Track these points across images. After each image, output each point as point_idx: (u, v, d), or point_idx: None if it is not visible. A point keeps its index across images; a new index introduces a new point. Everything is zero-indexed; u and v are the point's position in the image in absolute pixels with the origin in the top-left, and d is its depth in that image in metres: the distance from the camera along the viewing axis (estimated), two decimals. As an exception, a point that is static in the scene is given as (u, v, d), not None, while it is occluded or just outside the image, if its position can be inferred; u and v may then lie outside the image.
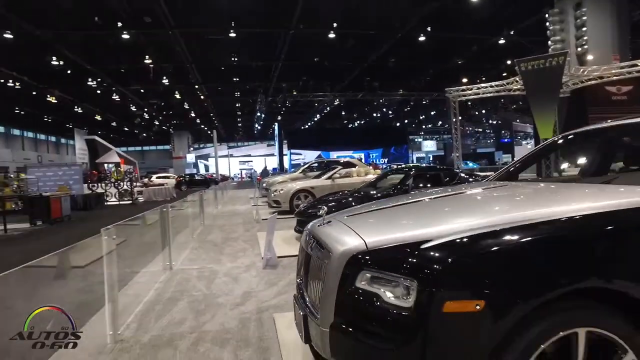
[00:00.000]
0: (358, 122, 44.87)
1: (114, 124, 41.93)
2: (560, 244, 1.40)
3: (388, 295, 1.38)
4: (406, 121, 42.27)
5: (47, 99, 27.63)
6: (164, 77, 26.66)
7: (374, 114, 36.29)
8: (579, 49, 16.04)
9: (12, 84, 23.49)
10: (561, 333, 1.29)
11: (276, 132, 36.55)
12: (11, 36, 17.50)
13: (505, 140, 45.09)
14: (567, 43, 16.66)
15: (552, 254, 1.37)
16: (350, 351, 1.48)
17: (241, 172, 38.95)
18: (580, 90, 15.55)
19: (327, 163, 12.92)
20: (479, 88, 16.14)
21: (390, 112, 34.93)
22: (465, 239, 1.39)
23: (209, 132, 38.91)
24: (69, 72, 24.29)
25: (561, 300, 1.31)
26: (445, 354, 1.30)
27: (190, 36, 20.80)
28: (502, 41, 21.89)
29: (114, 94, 29.59)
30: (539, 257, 1.36)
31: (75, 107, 32.06)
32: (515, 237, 1.37)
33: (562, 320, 1.30)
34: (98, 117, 36.97)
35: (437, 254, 1.36)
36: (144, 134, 48.62)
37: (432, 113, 40.71)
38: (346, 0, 17.14)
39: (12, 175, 16.05)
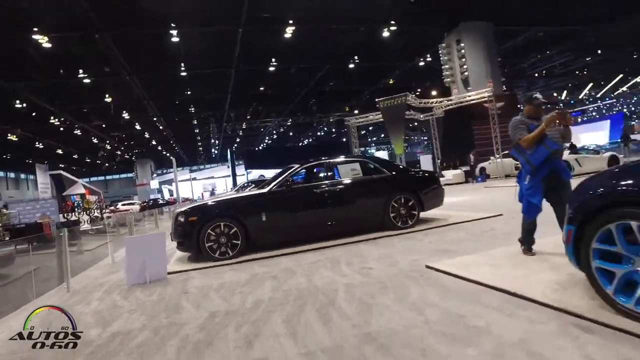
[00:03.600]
0: (311, 139, 50.44)
1: (75, 156, 45.92)
2: (225, 204, 6.47)
3: (181, 219, 6.37)
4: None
5: (8, 137, 31.73)
6: (124, 112, 31.40)
7: (325, 131, 41.68)
8: (462, 76, 21.74)
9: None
10: (219, 223, 6.27)
11: (229, 156, 41.72)
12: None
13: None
14: (454, 70, 22.42)
15: (218, 207, 6.43)
16: (174, 234, 6.47)
17: (202, 193, 43.63)
18: (464, 107, 21.00)
19: (254, 182, 17.80)
20: (374, 116, 21.60)
21: (340, 128, 40.37)
22: (198, 205, 6.44)
23: (171, 157, 43.53)
24: (33, 113, 28.82)
25: (225, 215, 6.33)
26: (191, 231, 6.26)
27: (145, 78, 25.74)
28: (421, 63, 27.64)
29: (76, 130, 33.95)
30: (213, 208, 6.41)
31: (36, 143, 36.10)
32: (212, 204, 6.44)
33: (219, 220, 6.28)
34: (59, 151, 40.92)
35: (190, 209, 6.41)
36: (107, 164, 52.69)
37: (370, 128, 46.90)
38: (276, 41, 22.24)
39: (-4, 211, 20.42)
